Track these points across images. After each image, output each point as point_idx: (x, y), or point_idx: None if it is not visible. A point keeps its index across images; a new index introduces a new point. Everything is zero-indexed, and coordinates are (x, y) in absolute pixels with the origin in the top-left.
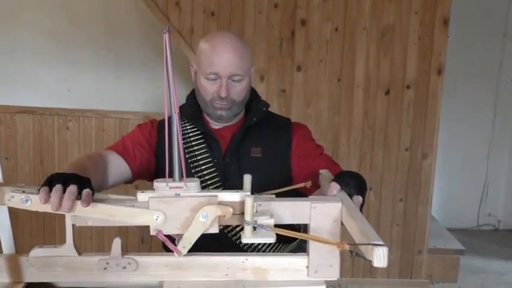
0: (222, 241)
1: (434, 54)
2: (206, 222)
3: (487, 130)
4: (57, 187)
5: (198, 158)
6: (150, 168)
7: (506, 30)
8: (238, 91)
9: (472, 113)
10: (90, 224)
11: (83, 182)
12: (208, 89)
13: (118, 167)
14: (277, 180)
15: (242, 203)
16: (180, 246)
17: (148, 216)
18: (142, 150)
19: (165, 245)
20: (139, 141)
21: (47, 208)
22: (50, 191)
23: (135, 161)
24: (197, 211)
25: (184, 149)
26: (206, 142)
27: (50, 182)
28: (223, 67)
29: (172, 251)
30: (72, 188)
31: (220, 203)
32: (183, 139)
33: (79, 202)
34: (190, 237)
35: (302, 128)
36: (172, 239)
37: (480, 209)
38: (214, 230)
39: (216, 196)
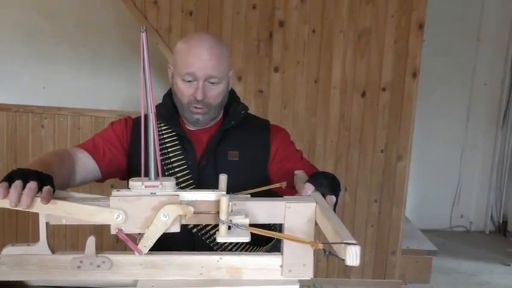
0: (197, 243)
1: (409, 57)
2: (167, 221)
3: (460, 133)
4: (17, 183)
5: (172, 160)
6: (120, 167)
7: (479, 35)
8: (215, 94)
9: (445, 116)
10: (64, 222)
11: (44, 178)
12: (185, 91)
13: (86, 165)
14: (254, 184)
15: (217, 202)
16: (141, 246)
17: (108, 215)
18: (113, 148)
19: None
20: (110, 140)
21: (5, 204)
22: (10, 186)
23: (104, 160)
24: (158, 210)
25: (148, 154)
26: (181, 144)
27: (10, 178)
28: (199, 68)
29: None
30: (32, 185)
31: (196, 203)
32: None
33: (38, 199)
34: (151, 237)
35: (281, 132)
36: (133, 238)
37: (453, 210)
38: (176, 229)
39: (178, 195)
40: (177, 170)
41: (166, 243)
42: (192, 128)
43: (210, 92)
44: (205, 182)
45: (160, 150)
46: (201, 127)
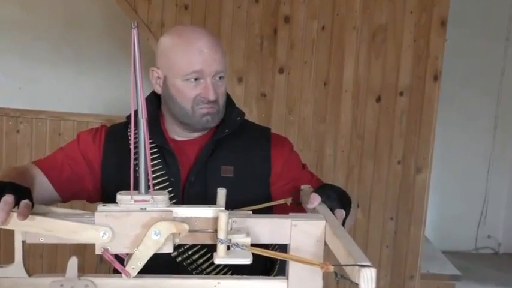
0: (182, 272)
1: (430, 58)
2: (159, 240)
3: (487, 142)
4: None
5: (152, 176)
6: (85, 187)
7: (509, 34)
8: (223, 91)
9: (471, 124)
10: (43, 240)
11: (21, 192)
12: (189, 93)
13: (41, 185)
14: (252, 205)
15: (215, 219)
16: (129, 267)
17: (93, 233)
18: (75, 166)
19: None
20: (72, 155)
21: None
22: None
23: (60, 179)
24: (149, 227)
25: (136, 165)
26: (162, 157)
27: None
28: (206, 64)
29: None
30: (8, 198)
31: (191, 219)
32: (134, 153)
33: (15, 214)
34: (140, 257)
35: (285, 145)
36: (120, 259)
37: (479, 230)
38: (168, 249)
39: (171, 211)
40: (157, 188)
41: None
42: (178, 138)
43: (218, 89)
44: (192, 202)
45: (138, 164)
46: (189, 136)
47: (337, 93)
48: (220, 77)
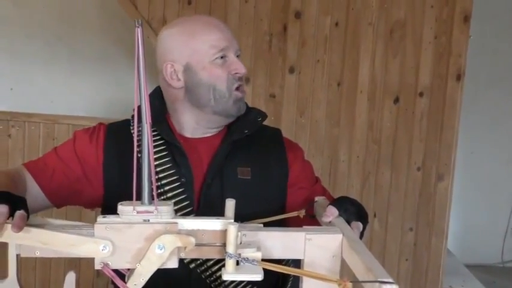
0: (194, 283)
1: (452, 56)
2: (163, 254)
3: None
4: None
5: (160, 176)
6: (80, 193)
7: None
8: None
9: (496, 127)
10: (38, 254)
11: (16, 201)
12: (220, 74)
13: (32, 191)
14: (269, 210)
15: (224, 232)
16: (130, 284)
17: (92, 246)
18: (68, 171)
19: (114, 282)
20: (67, 159)
21: None
22: None
23: (50, 184)
24: (153, 241)
25: (139, 164)
26: (171, 155)
27: None
28: (229, 40)
29: None
30: (2, 209)
31: (198, 232)
32: (139, 151)
33: (9, 226)
34: (143, 273)
35: (298, 150)
36: (121, 274)
37: (505, 241)
38: (173, 264)
39: (176, 223)
40: (167, 188)
41: (155, 282)
42: (188, 135)
43: None
44: (210, 206)
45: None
46: (202, 135)
47: (352, 94)
48: (238, 55)
